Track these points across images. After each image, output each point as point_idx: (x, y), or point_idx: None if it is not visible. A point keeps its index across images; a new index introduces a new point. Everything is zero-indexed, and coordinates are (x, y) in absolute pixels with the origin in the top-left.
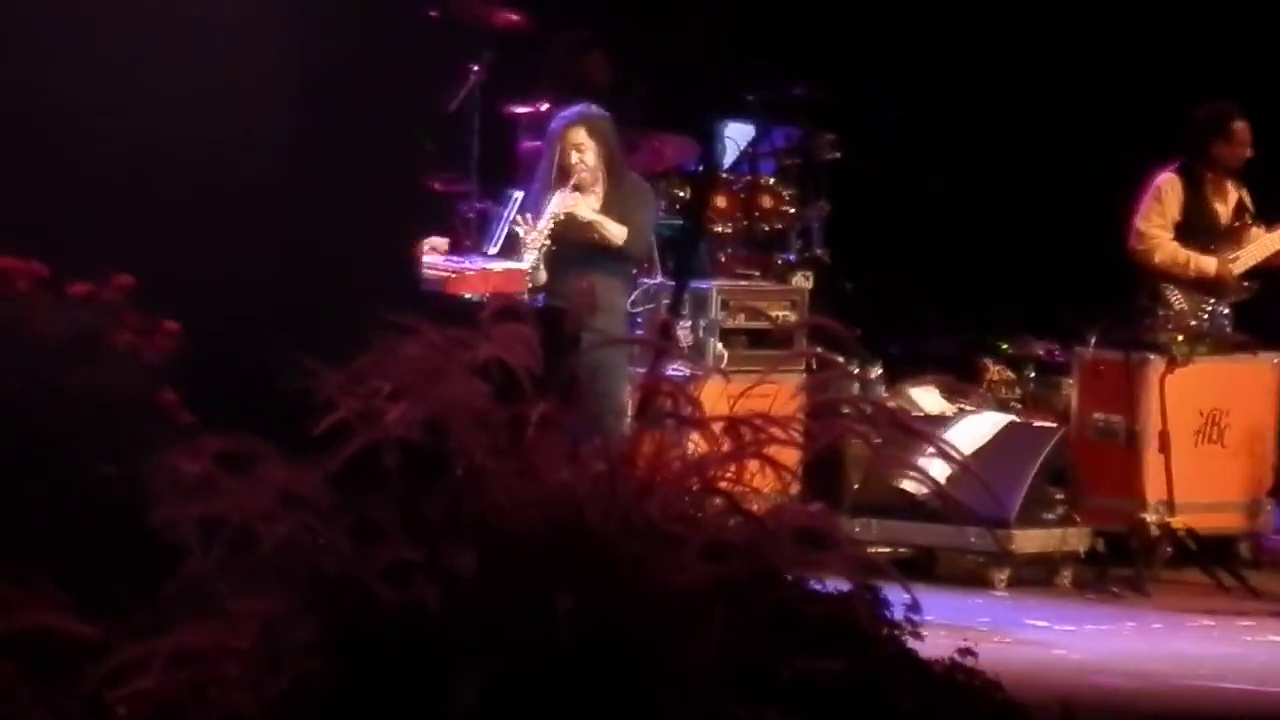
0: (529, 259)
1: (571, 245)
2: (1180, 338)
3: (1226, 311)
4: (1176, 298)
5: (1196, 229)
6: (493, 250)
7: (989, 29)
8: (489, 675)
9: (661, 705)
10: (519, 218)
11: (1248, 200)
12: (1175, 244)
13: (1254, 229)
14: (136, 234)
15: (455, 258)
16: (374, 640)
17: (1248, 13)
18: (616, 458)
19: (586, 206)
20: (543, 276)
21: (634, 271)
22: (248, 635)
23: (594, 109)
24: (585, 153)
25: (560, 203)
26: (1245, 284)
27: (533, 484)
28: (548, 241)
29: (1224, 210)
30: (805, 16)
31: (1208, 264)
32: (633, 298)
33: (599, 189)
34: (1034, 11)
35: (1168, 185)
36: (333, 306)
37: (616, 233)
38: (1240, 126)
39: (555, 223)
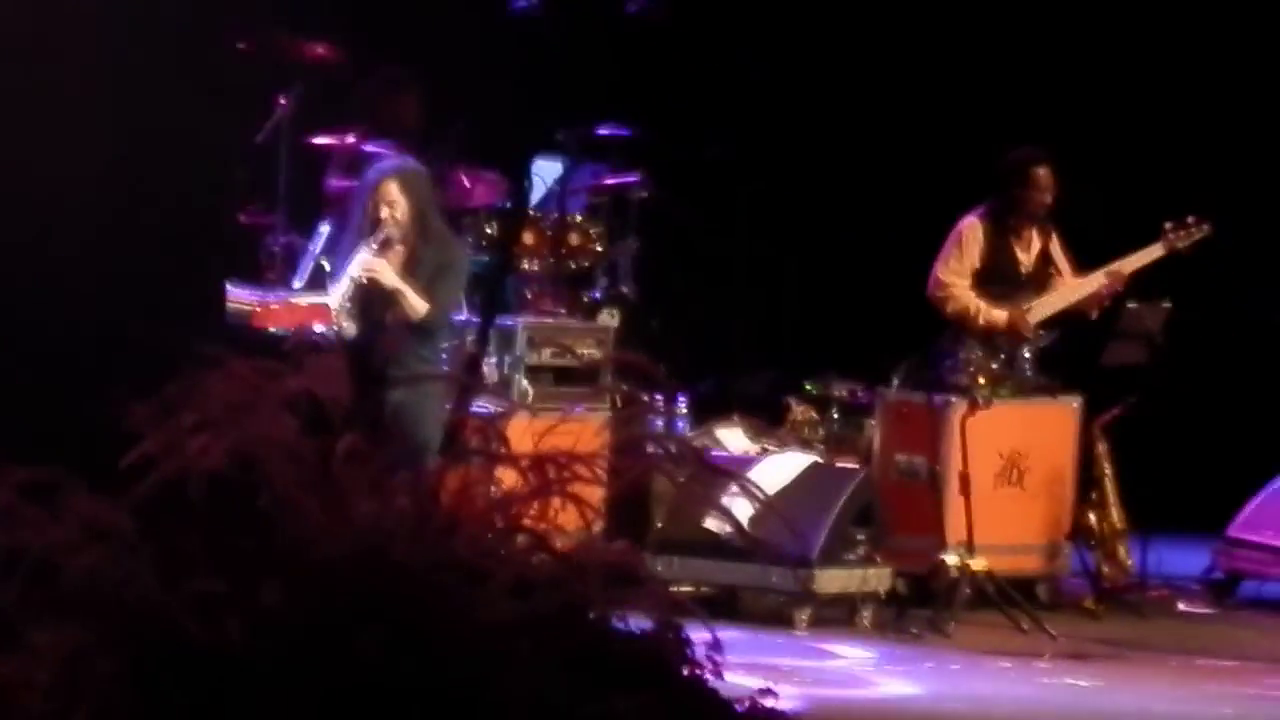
0: (334, 305)
1: (375, 301)
2: (982, 380)
3: (1028, 355)
4: (974, 343)
5: (995, 276)
6: (299, 284)
7: (804, 69)
8: (296, 709)
9: None
10: (325, 256)
11: (1056, 247)
12: (970, 294)
13: (1057, 278)
14: None
15: (261, 291)
16: (178, 674)
17: (1061, 59)
18: (423, 493)
19: (390, 272)
20: (351, 329)
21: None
22: (49, 668)
23: (410, 162)
24: (396, 209)
25: (361, 265)
26: (1041, 333)
27: (340, 518)
28: (348, 303)
29: (1025, 258)
30: (621, 53)
31: (998, 316)
32: (443, 342)
33: (408, 245)
34: (851, 54)
35: (969, 231)
36: (140, 338)
37: (416, 305)
38: (1042, 173)
39: (356, 285)
